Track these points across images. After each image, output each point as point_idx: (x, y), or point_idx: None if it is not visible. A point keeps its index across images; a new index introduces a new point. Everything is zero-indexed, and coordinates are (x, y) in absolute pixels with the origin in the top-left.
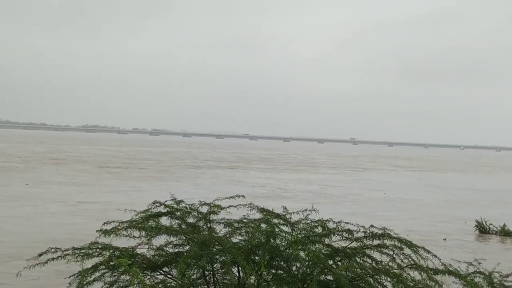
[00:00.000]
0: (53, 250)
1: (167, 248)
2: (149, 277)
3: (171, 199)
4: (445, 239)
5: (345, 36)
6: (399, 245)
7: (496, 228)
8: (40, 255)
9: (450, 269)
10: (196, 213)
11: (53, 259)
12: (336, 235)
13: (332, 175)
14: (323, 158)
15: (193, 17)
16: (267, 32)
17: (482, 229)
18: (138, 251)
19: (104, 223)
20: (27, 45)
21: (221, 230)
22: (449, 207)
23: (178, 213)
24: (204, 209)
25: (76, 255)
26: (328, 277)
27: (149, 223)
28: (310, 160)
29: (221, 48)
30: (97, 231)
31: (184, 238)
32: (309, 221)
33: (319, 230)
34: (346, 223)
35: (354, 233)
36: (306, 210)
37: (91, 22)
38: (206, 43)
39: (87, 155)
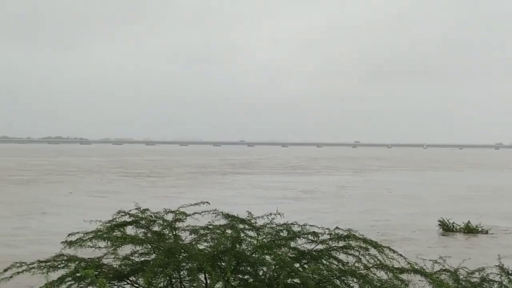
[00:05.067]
0: (18, 264)
1: (133, 257)
2: (116, 287)
3: (136, 208)
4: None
5: (308, 41)
6: (364, 245)
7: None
8: (5, 270)
9: (416, 267)
10: (161, 221)
11: (18, 273)
12: (301, 238)
13: (340, 177)
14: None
15: (163, 26)
16: (233, 40)
17: (446, 227)
18: (104, 261)
19: (69, 234)
20: None
21: (186, 237)
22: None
23: (143, 222)
24: (170, 217)
25: (42, 267)
26: (295, 280)
27: (115, 233)
28: (300, 164)
29: (186, 56)
30: (61, 242)
31: (150, 246)
32: (274, 225)
33: (284, 234)
34: (311, 225)
35: (320, 235)
36: (271, 214)
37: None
38: (171, 51)
39: (96, 166)
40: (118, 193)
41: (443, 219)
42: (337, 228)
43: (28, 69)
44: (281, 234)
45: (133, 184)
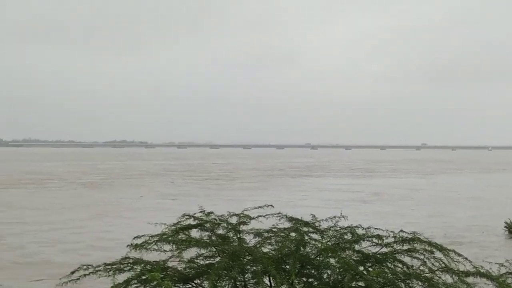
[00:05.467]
0: (84, 267)
1: (198, 260)
2: None
3: (200, 211)
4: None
5: (373, 44)
6: (429, 248)
7: None
8: (72, 272)
9: (482, 271)
10: (225, 224)
11: (85, 275)
12: (365, 241)
13: (406, 179)
14: (370, 164)
15: (221, 34)
16: (295, 44)
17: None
18: (169, 264)
19: (134, 237)
20: (50, 65)
21: (251, 240)
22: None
23: (207, 225)
24: (234, 220)
25: (108, 270)
26: (360, 283)
27: (179, 236)
28: (364, 166)
29: (249, 60)
30: (127, 245)
31: (215, 249)
32: (338, 228)
33: (348, 236)
34: (375, 228)
35: (384, 238)
36: (335, 217)
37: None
38: (233, 56)
39: (163, 170)
40: (187, 196)
41: (510, 222)
42: (401, 231)
43: (93, 75)
44: (345, 237)
45: (201, 187)
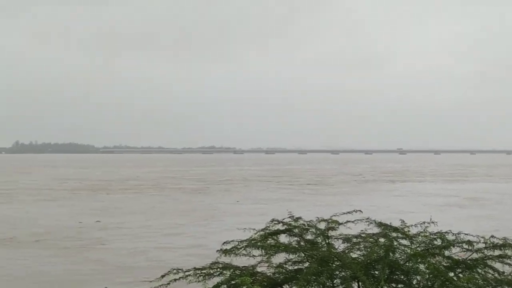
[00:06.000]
0: (174, 271)
1: (287, 266)
2: None
3: (289, 216)
4: None
5: (461, 46)
6: None
7: None
8: (163, 276)
9: None
10: (314, 230)
11: (175, 280)
12: (455, 246)
13: (502, 184)
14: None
15: (314, 36)
16: (381, 47)
17: None
18: (258, 269)
19: (224, 242)
20: (138, 72)
21: (339, 245)
22: None
23: (296, 230)
24: (322, 225)
25: (198, 275)
26: None
27: (268, 241)
28: (456, 171)
29: (337, 66)
30: (217, 251)
31: (303, 255)
32: (427, 234)
33: (438, 242)
34: (465, 234)
35: (474, 244)
36: (424, 222)
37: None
38: (324, 62)
39: (254, 175)
40: (281, 201)
41: None
42: (492, 236)
43: (181, 81)
44: (435, 242)
45: (294, 192)
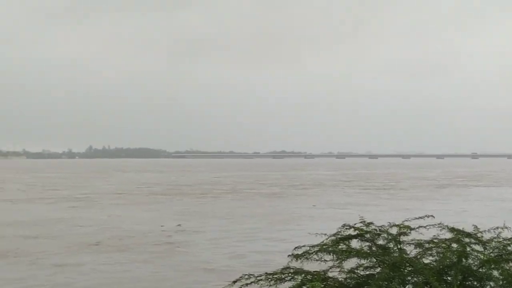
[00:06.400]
0: (246, 276)
1: (358, 271)
2: None
3: (360, 221)
4: None
5: None
6: None
7: None
8: (234, 282)
9: None
10: (386, 235)
11: (246, 285)
12: None
13: None
14: None
15: (381, 39)
16: (449, 53)
17: None
18: (330, 274)
19: (295, 247)
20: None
21: (411, 251)
22: None
23: (367, 235)
24: (394, 231)
25: (269, 280)
26: None
27: (340, 246)
28: None
29: (403, 70)
30: (288, 255)
31: (375, 260)
32: (501, 239)
33: None
34: None
35: None
36: (497, 228)
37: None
38: (390, 66)
39: (327, 179)
40: (358, 205)
41: None
42: None
43: (252, 86)
44: (509, 248)
45: (370, 196)
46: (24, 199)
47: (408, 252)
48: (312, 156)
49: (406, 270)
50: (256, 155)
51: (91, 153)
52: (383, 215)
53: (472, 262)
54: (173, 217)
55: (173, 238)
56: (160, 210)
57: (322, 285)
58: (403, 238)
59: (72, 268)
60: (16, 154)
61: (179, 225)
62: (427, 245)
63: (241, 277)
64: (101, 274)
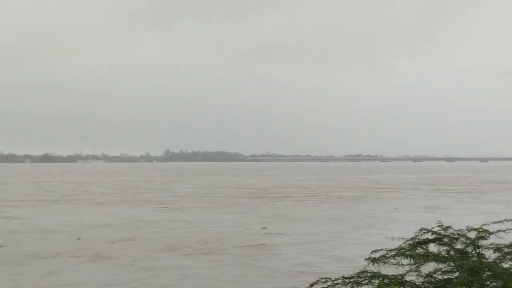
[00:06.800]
0: (323, 280)
1: (436, 275)
2: None
3: (438, 225)
4: None
5: None
6: None
7: None
8: (312, 285)
9: None
10: (464, 239)
11: None
12: None
13: None
14: None
15: (462, 42)
16: None
17: None
18: (407, 278)
19: (372, 251)
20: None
21: (490, 255)
22: None
23: (445, 239)
24: (472, 235)
25: (346, 283)
26: None
27: (417, 250)
28: None
29: (487, 72)
30: (365, 259)
31: (453, 264)
32: None
33: None
34: None
35: None
36: None
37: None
38: (471, 68)
39: (406, 183)
40: (440, 208)
41: None
42: None
43: (328, 90)
44: None
45: (452, 200)
46: (111, 202)
47: (487, 257)
48: (388, 159)
49: (485, 275)
50: (331, 158)
51: (168, 157)
52: (466, 218)
53: None
54: (258, 219)
55: (258, 241)
56: (244, 212)
57: None
58: (481, 242)
59: (172, 271)
60: (95, 157)
61: (264, 227)
62: (506, 250)
63: (317, 280)
64: (200, 277)
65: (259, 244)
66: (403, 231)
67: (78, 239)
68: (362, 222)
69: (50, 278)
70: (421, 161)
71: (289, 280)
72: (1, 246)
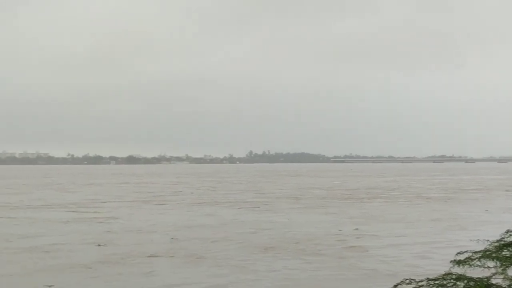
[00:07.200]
0: (407, 281)
1: None
2: None
3: None
4: None
5: None
6: None
7: None
8: (396, 286)
9: None
10: None
11: None
12: None
13: None
14: None
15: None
16: None
17: None
18: (493, 281)
19: (457, 253)
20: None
21: None
22: None
23: None
24: None
25: (430, 285)
26: None
27: (503, 253)
28: None
29: None
30: (450, 261)
31: None
32: None
33: None
34: None
35: None
36: None
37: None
38: None
39: (498, 184)
40: None
41: None
42: None
43: (408, 90)
44: None
45: None
46: (201, 203)
47: None
48: (473, 160)
49: None
50: (414, 159)
51: (251, 158)
52: None
53: None
54: (349, 220)
55: (351, 242)
56: (334, 214)
57: None
58: None
59: (274, 273)
60: (179, 159)
61: (356, 229)
62: None
63: (402, 281)
64: (304, 279)
65: (354, 246)
66: (497, 233)
67: (172, 238)
68: (454, 224)
69: (152, 279)
70: (507, 162)
71: (383, 280)
72: (99, 245)
